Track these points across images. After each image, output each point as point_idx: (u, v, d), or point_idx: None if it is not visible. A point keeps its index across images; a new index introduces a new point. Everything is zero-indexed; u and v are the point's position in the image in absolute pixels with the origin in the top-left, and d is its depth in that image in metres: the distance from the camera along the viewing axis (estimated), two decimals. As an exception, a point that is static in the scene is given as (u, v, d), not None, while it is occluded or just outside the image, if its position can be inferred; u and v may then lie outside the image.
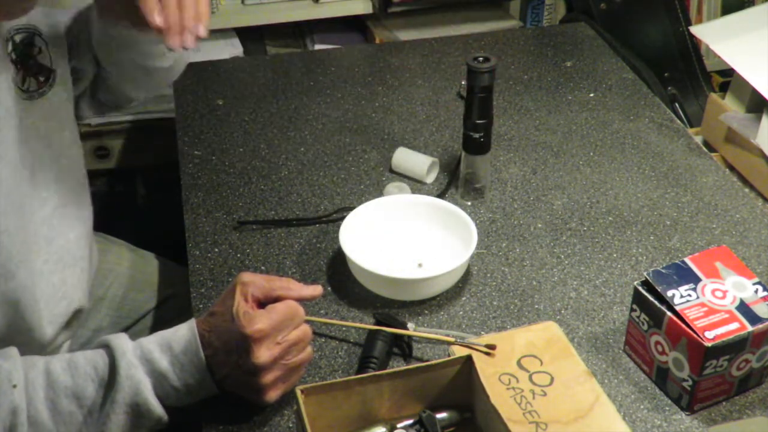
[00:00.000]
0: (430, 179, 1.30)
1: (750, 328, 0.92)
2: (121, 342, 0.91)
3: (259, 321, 0.90)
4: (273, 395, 0.93)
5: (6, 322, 0.96)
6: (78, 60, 1.14)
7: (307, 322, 1.05)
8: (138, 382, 0.89)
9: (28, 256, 0.96)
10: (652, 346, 0.98)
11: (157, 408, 0.91)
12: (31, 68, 0.99)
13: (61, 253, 1.02)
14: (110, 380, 0.90)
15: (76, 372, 0.90)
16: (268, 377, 0.91)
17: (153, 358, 0.91)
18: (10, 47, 0.97)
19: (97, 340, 0.95)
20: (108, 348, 0.91)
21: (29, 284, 0.97)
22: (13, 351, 0.91)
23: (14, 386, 0.87)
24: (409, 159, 1.31)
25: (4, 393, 0.86)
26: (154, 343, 0.92)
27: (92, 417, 0.89)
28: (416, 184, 1.30)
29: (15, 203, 0.94)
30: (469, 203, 1.27)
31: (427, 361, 1.01)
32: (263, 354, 0.89)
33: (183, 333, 0.92)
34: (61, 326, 1.06)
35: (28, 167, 0.96)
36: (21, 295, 0.97)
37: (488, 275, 1.15)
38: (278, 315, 0.91)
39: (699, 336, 0.91)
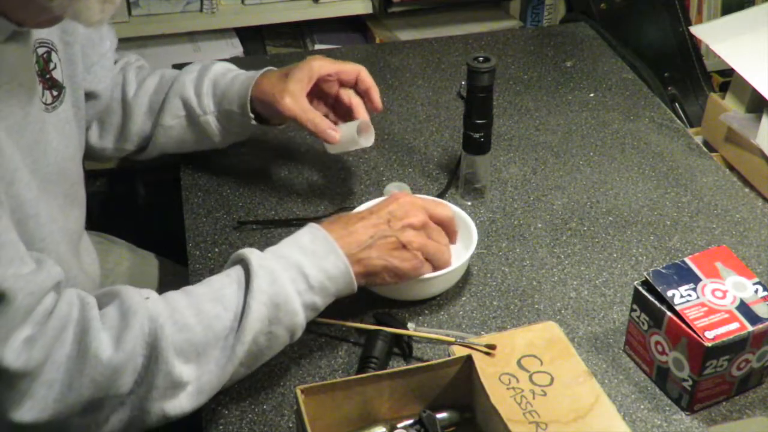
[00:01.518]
0: (368, 142, 1.22)
1: (750, 328, 0.92)
2: (250, 249, 0.95)
3: (414, 196, 1.07)
4: (414, 261, 1.02)
5: None
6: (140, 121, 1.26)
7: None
8: (272, 269, 0.93)
9: (45, 245, 0.97)
10: (652, 346, 0.98)
11: (295, 301, 0.93)
12: (47, 82, 1.01)
13: (62, 258, 1.02)
14: (246, 278, 0.93)
15: (211, 282, 0.94)
16: (419, 240, 1.02)
17: (284, 254, 0.95)
18: (34, 59, 0.98)
19: None
20: (239, 260, 0.95)
21: None
22: None
23: (147, 298, 0.89)
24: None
25: (137, 302, 0.87)
26: (280, 244, 0.97)
27: (237, 318, 0.91)
28: (416, 185, 1.30)
29: (34, 197, 0.94)
30: (469, 203, 1.27)
31: (427, 361, 1.01)
32: (421, 214, 1.03)
33: (302, 230, 0.99)
34: None
35: (37, 176, 0.97)
36: None
37: (488, 275, 1.15)
38: (431, 203, 1.07)
39: (699, 336, 0.91)
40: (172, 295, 0.92)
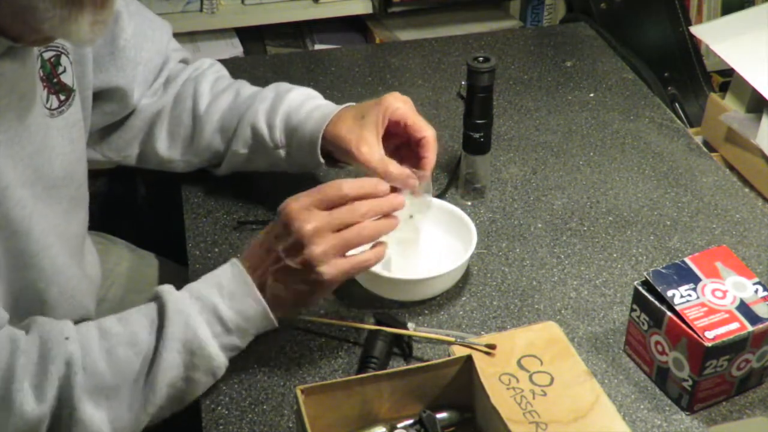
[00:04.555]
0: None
1: (750, 328, 0.92)
2: (168, 288, 0.95)
3: (294, 197, 0.95)
4: (328, 270, 0.93)
5: (13, 311, 0.97)
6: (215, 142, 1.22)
7: (308, 322, 1.05)
8: (187, 315, 0.92)
9: (38, 260, 0.98)
10: (652, 346, 0.98)
11: (209, 343, 0.92)
12: (54, 86, 1.00)
13: (60, 269, 1.02)
14: (161, 321, 0.92)
15: (128, 322, 0.93)
16: (317, 249, 0.92)
17: (202, 294, 0.94)
18: (39, 64, 0.97)
19: None
20: (156, 297, 0.94)
21: (39, 286, 0.98)
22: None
23: (66, 338, 0.89)
24: None
25: (57, 344, 0.88)
26: (200, 282, 0.96)
27: (147, 362, 0.91)
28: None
29: (27, 214, 0.94)
30: (469, 203, 1.27)
31: (427, 361, 1.01)
32: (305, 223, 0.92)
33: (225, 267, 0.96)
34: None
35: (40, 184, 0.97)
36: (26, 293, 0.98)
37: (488, 275, 1.15)
38: (315, 189, 0.95)
39: (699, 336, 0.91)
40: (88, 336, 0.91)
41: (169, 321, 0.91)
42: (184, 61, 1.28)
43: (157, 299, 0.94)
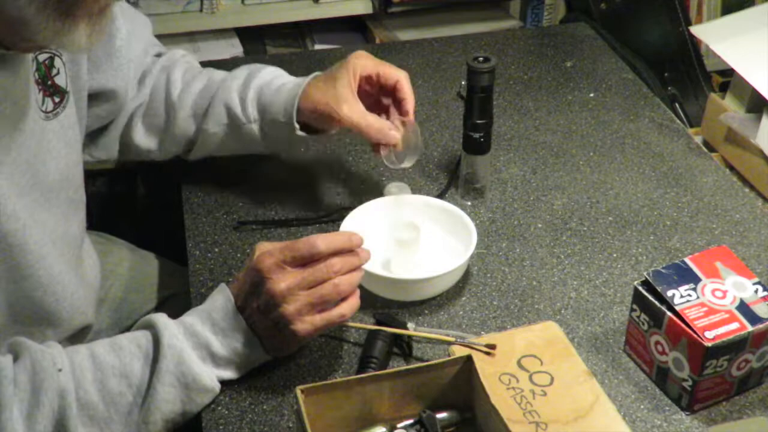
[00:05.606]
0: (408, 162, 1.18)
1: (750, 328, 0.92)
2: (163, 319, 0.94)
3: (268, 251, 0.94)
4: (302, 327, 0.93)
5: (11, 320, 0.97)
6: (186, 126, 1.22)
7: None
8: (180, 350, 0.92)
9: (34, 270, 0.97)
10: (652, 346, 0.98)
11: (203, 376, 0.93)
12: (49, 89, 1.00)
13: (57, 278, 1.02)
14: (155, 354, 0.92)
15: (121, 352, 0.92)
16: (289, 308, 0.92)
17: (196, 331, 0.94)
18: (34, 67, 0.97)
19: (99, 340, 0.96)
20: (150, 326, 0.94)
21: (35, 295, 0.98)
22: (52, 341, 0.93)
23: (59, 370, 0.88)
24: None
25: (50, 376, 0.87)
26: (193, 316, 0.95)
27: (140, 395, 0.91)
28: (416, 185, 1.30)
29: (21, 226, 0.94)
30: (469, 203, 1.27)
31: (427, 361, 1.01)
32: (278, 282, 0.92)
33: (220, 302, 0.96)
34: (64, 339, 1.06)
35: (37, 189, 0.97)
36: (25, 302, 0.97)
37: (488, 275, 1.15)
38: (288, 245, 0.94)
39: (699, 336, 0.91)
40: (80, 366, 0.90)
41: (162, 356, 0.91)
42: (158, 55, 1.29)
43: (151, 329, 0.94)
